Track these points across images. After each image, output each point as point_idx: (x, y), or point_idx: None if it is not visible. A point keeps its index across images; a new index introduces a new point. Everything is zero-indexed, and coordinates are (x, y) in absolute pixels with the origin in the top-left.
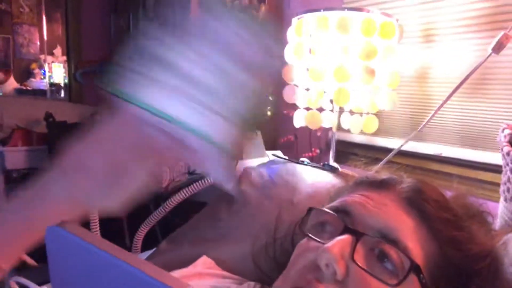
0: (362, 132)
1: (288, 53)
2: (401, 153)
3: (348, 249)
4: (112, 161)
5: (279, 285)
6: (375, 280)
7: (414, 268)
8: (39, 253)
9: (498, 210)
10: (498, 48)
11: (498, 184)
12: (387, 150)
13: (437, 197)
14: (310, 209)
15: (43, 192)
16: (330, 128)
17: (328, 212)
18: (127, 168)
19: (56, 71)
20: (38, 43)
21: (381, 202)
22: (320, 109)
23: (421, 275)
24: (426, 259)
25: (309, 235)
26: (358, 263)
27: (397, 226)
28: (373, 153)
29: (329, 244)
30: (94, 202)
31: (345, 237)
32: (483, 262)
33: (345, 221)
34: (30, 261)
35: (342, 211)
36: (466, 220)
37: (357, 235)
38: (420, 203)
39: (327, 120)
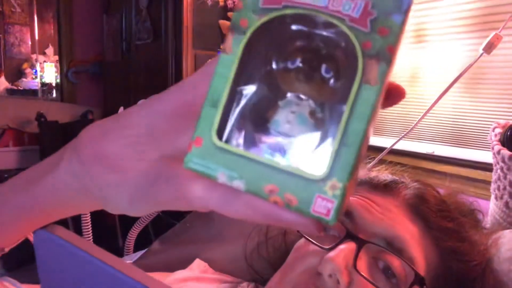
0: None
1: None
2: (394, 152)
3: (351, 257)
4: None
5: (275, 286)
6: None
7: (419, 281)
8: (30, 253)
9: (489, 208)
10: (489, 48)
11: (489, 182)
12: (380, 149)
13: (441, 206)
14: None
15: (53, 178)
16: None
17: None
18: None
19: (47, 71)
20: (30, 42)
21: (386, 208)
22: None
23: (424, 287)
24: (428, 269)
25: (310, 239)
26: (361, 273)
27: (402, 234)
28: (367, 151)
29: (333, 253)
30: (115, 203)
31: (348, 245)
32: (480, 268)
33: (348, 226)
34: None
35: (344, 213)
36: (468, 229)
37: (360, 243)
38: (424, 212)
39: None
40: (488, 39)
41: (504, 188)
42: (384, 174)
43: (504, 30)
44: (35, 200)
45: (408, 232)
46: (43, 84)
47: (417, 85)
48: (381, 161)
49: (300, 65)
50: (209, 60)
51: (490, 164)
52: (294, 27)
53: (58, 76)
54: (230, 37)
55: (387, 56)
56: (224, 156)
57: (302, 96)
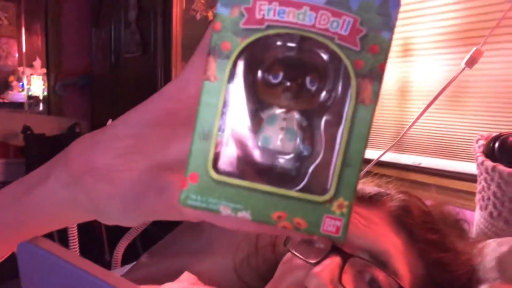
0: None
1: None
2: (380, 164)
3: (336, 271)
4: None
5: None
6: None
7: None
8: (12, 267)
9: (474, 219)
10: (471, 62)
11: (474, 193)
12: (367, 161)
13: (425, 218)
14: None
15: (43, 190)
16: None
17: None
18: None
19: (35, 84)
20: (17, 55)
21: (370, 220)
22: None
23: None
24: (414, 281)
25: (296, 254)
26: (347, 287)
27: (387, 248)
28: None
29: (318, 268)
30: (106, 214)
31: (333, 259)
32: (466, 277)
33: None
34: None
35: None
36: (452, 240)
37: (345, 257)
38: (409, 224)
39: None
40: (469, 53)
41: (488, 199)
42: (369, 187)
43: (486, 45)
44: (25, 213)
45: (392, 245)
46: (30, 97)
47: (404, 98)
48: (368, 173)
49: (287, 81)
50: (185, 65)
51: (475, 175)
52: (278, 46)
53: (46, 89)
54: (212, 62)
55: (379, 75)
56: (225, 190)
57: (292, 112)
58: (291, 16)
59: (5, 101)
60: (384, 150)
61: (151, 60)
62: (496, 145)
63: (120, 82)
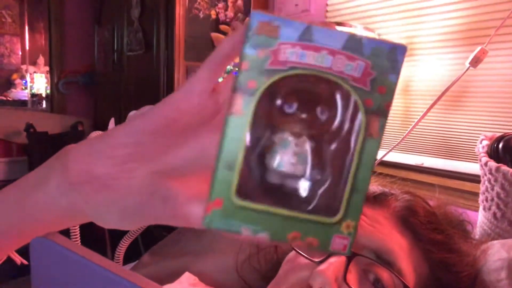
0: None
1: None
2: (384, 164)
3: (341, 270)
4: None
5: None
6: None
7: None
8: (12, 268)
9: (478, 219)
10: (475, 62)
11: (477, 194)
12: None
13: (430, 218)
14: None
15: (42, 196)
16: None
17: None
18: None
19: (38, 82)
20: (20, 53)
21: (375, 220)
22: None
23: None
24: (418, 281)
25: (300, 252)
26: (351, 286)
27: (392, 247)
28: None
29: (323, 266)
30: (106, 219)
31: (338, 258)
32: (470, 278)
33: None
34: (17, 259)
35: None
36: (457, 241)
37: (350, 255)
38: (414, 224)
39: None
40: (474, 53)
41: (492, 199)
42: (373, 186)
43: (490, 44)
44: (23, 220)
45: (398, 244)
46: (33, 95)
47: (407, 98)
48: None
49: (304, 114)
50: (187, 64)
51: (478, 176)
52: (298, 84)
53: (49, 87)
54: (238, 99)
55: (385, 112)
56: (246, 213)
57: (303, 138)
58: (311, 58)
59: (8, 99)
60: (388, 150)
61: (154, 58)
62: (500, 145)
63: (123, 80)
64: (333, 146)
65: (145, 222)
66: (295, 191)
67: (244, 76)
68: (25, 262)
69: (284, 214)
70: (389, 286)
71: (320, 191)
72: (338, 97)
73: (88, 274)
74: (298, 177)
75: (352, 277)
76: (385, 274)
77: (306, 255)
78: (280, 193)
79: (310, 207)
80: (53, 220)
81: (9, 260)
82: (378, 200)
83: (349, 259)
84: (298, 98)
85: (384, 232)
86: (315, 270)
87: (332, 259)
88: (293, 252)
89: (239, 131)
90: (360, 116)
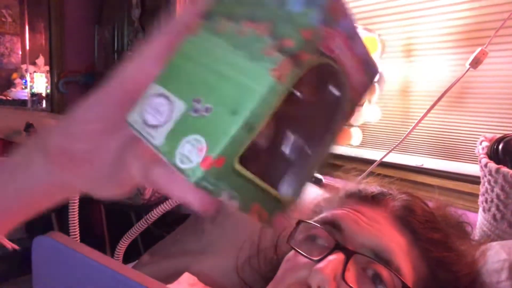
0: (345, 143)
1: None
2: (383, 165)
3: (340, 268)
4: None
5: None
6: None
7: None
8: (12, 268)
9: (477, 221)
10: (476, 63)
11: (477, 195)
12: (370, 162)
13: (428, 217)
14: (299, 222)
15: (28, 179)
16: None
17: (319, 227)
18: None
19: (38, 81)
20: (20, 52)
21: (373, 219)
22: None
23: None
24: (417, 280)
25: (299, 251)
26: (350, 284)
27: (390, 245)
28: (356, 164)
29: (321, 264)
30: (86, 188)
31: (337, 256)
32: (468, 279)
33: (336, 237)
34: (8, 244)
35: (333, 225)
36: (455, 240)
37: (349, 254)
38: (412, 223)
39: None
40: (474, 54)
41: (492, 201)
42: (372, 186)
43: (490, 45)
44: (11, 200)
45: (396, 243)
46: (33, 95)
47: (407, 98)
48: (371, 173)
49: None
50: (142, 44)
51: (479, 177)
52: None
53: (49, 87)
54: (287, 64)
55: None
56: (236, 179)
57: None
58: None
59: (8, 98)
60: (387, 151)
61: None
62: (500, 147)
63: None
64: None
65: (125, 188)
66: (277, 170)
67: (303, 45)
68: (15, 247)
69: (264, 187)
70: (388, 282)
71: (289, 172)
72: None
73: (90, 273)
74: (286, 160)
75: (350, 275)
76: (384, 273)
77: (304, 254)
78: (266, 167)
79: (278, 184)
80: (45, 196)
81: (9, 260)
82: (376, 199)
83: (348, 258)
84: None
85: (383, 231)
86: (313, 268)
87: (331, 257)
88: (292, 251)
89: (273, 97)
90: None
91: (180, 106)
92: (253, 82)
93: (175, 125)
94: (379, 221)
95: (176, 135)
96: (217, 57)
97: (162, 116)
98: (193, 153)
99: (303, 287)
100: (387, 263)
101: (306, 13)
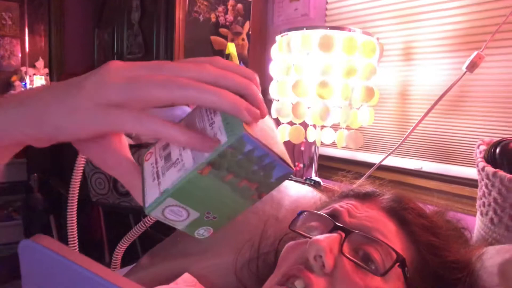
0: (344, 147)
1: (273, 69)
2: (382, 168)
3: (336, 245)
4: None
5: (270, 282)
6: (362, 274)
7: (400, 261)
8: (12, 268)
9: (475, 224)
10: (472, 67)
11: (474, 199)
12: (369, 165)
13: (415, 206)
14: (301, 212)
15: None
16: (313, 143)
17: (319, 214)
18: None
19: (37, 84)
20: (20, 55)
21: (364, 210)
22: (304, 124)
23: (406, 268)
24: (408, 262)
25: (299, 232)
26: (347, 255)
27: (380, 228)
28: (355, 167)
29: (319, 236)
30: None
31: (334, 234)
32: (460, 273)
33: (334, 221)
34: None
35: (331, 215)
36: (442, 228)
37: (346, 232)
38: (400, 211)
39: (311, 135)
40: (470, 58)
41: (489, 205)
42: (365, 186)
43: (486, 49)
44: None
45: (386, 227)
46: None
47: (405, 102)
48: (370, 176)
49: None
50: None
51: (476, 181)
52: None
53: None
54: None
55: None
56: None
57: None
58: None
59: None
60: (386, 155)
61: None
62: (497, 150)
63: None
64: None
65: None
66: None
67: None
68: None
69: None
70: (378, 260)
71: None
72: None
73: (74, 278)
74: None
75: (346, 251)
76: (374, 251)
77: (304, 233)
78: None
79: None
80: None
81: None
82: (367, 196)
83: (346, 234)
84: None
85: (374, 217)
86: (310, 241)
87: (328, 235)
88: (291, 242)
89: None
90: None
91: (195, 214)
92: (241, 208)
93: (192, 222)
94: (369, 211)
95: (195, 226)
96: (223, 193)
97: (182, 217)
98: (205, 233)
99: (302, 265)
100: (378, 242)
101: (278, 182)
